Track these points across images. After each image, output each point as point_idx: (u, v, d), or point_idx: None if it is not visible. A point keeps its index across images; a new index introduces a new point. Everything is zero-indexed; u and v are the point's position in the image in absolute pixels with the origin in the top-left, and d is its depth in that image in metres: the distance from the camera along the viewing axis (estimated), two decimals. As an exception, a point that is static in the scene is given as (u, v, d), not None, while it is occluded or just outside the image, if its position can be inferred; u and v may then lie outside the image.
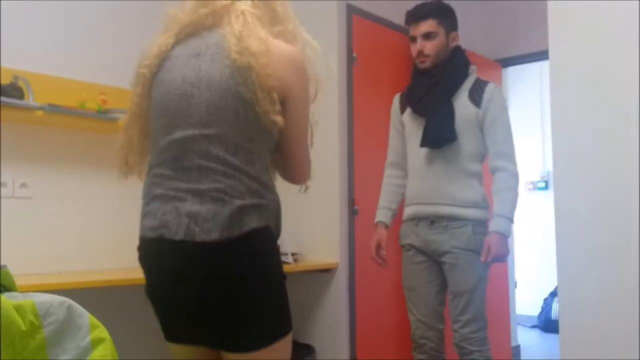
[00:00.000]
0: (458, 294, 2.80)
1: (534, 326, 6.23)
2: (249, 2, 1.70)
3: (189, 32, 1.71)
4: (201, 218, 1.52)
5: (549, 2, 2.50)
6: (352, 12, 3.67)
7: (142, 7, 3.40)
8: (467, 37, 4.53)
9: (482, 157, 2.89)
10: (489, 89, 2.85)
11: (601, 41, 2.36)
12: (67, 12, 3.09)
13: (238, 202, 1.54)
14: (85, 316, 1.33)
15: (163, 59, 1.72)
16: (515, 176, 2.82)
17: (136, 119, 1.80)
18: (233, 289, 1.54)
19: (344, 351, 3.48)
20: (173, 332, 1.70)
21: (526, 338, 5.58)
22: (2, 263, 1.38)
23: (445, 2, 3.04)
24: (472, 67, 3.75)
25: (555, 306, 5.95)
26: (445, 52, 2.92)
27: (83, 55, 3.13)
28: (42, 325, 1.26)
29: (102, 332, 1.34)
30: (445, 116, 2.81)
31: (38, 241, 2.89)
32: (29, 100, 2.72)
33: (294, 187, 3.61)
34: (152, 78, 1.72)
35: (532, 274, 6.25)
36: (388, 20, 3.93)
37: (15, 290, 1.36)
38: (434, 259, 2.88)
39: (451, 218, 2.81)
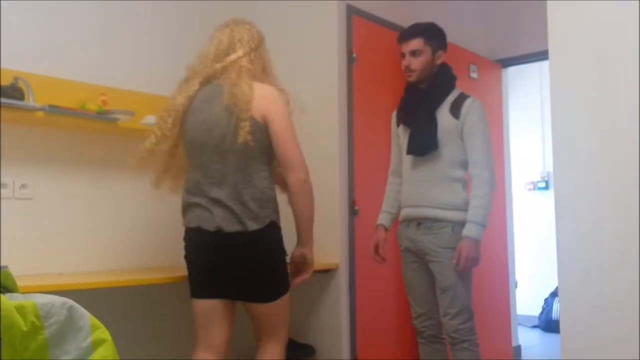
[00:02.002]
0: (444, 289, 3.04)
1: (535, 326, 6.24)
2: (247, 58, 2.55)
3: (206, 81, 2.55)
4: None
5: (548, 2, 2.50)
6: (352, 13, 3.67)
7: (141, 9, 3.40)
8: (467, 38, 4.55)
9: (464, 164, 3.12)
10: (468, 102, 3.11)
11: (601, 41, 2.36)
12: (67, 13, 3.09)
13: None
14: (86, 317, 1.33)
15: (190, 101, 2.55)
16: (488, 183, 3.04)
17: (167, 141, 2.61)
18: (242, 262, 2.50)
19: (345, 351, 3.48)
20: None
21: (527, 338, 5.58)
22: (3, 264, 1.38)
23: (435, 23, 3.30)
24: (472, 68, 3.82)
25: (556, 306, 5.95)
26: (431, 69, 3.19)
27: (83, 57, 3.13)
28: (43, 326, 1.26)
29: (103, 333, 1.33)
30: (428, 127, 3.10)
31: (38, 242, 2.89)
32: (29, 101, 2.72)
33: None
34: (182, 114, 2.56)
35: (533, 273, 6.24)
36: (388, 21, 3.93)
37: (17, 291, 1.35)
38: (421, 258, 3.14)
39: (434, 219, 3.08)
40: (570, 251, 2.39)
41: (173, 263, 3.41)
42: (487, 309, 4.33)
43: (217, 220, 2.46)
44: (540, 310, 6.24)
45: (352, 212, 3.58)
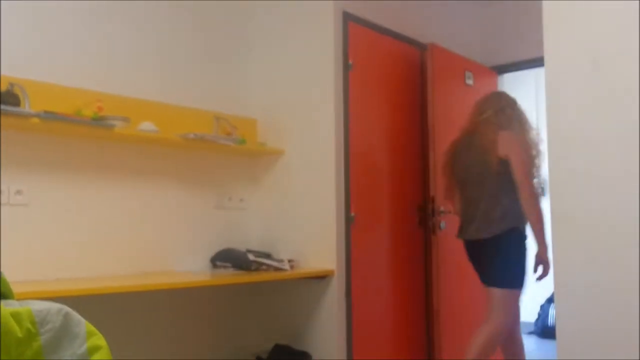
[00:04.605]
0: None
1: (531, 332, 6.23)
2: (492, 113, 3.43)
3: (467, 133, 3.51)
4: None
5: (543, 9, 2.51)
6: (348, 19, 3.68)
7: (139, 15, 3.41)
8: (463, 45, 4.57)
9: None
10: None
11: (597, 47, 2.37)
12: (64, 20, 3.09)
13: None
14: (82, 324, 1.32)
15: (455, 148, 3.56)
16: None
17: (446, 178, 3.63)
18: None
19: (341, 358, 3.48)
20: None
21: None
22: (-2, 270, 1.37)
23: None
24: (468, 74, 3.83)
25: (552, 312, 5.95)
26: None
27: (79, 63, 3.13)
28: (38, 333, 1.25)
29: (98, 339, 1.33)
30: None
31: (34, 248, 2.88)
32: (25, 107, 2.72)
33: (291, 195, 3.64)
34: (452, 157, 3.58)
35: (529, 279, 6.24)
36: (384, 27, 3.94)
37: (12, 298, 1.35)
38: None
39: None
40: (565, 257, 2.40)
41: (170, 269, 3.41)
42: (483, 315, 4.33)
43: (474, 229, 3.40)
44: (536, 316, 6.24)
45: (348, 218, 3.59)
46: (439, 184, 3.85)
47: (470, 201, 3.46)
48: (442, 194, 3.76)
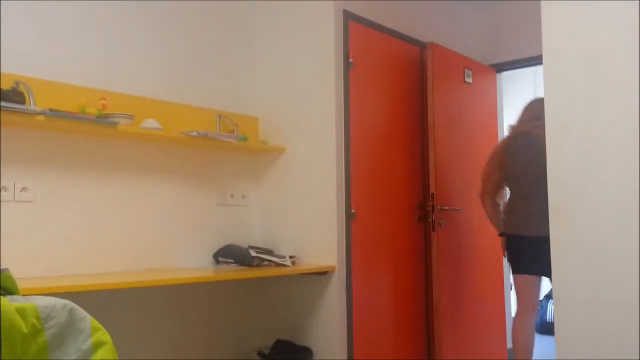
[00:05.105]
0: None
1: (531, 328, 6.24)
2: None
3: (522, 134, 3.73)
4: None
5: (542, 8, 2.53)
6: (349, 18, 3.70)
7: (143, 12, 3.43)
8: (462, 43, 4.58)
9: None
10: None
11: (595, 46, 2.39)
12: (68, 18, 3.12)
13: None
14: (86, 319, 1.33)
15: (511, 145, 3.77)
16: None
17: (497, 173, 3.84)
18: None
19: (342, 353, 3.50)
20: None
21: (523, 340, 5.58)
22: (4, 266, 1.39)
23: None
24: (467, 72, 3.85)
25: (550, 308, 5.97)
26: None
27: (84, 61, 3.16)
28: (43, 329, 1.27)
29: (103, 335, 1.34)
30: None
31: (39, 244, 2.91)
32: (30, 105, 2.75)
33: (292, 192, 3.67)
34: (507, 154, 3.78)
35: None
36: (384, 26, 3.96)
37: (17, 294, 1.36)
38: None
39: None
40: (564, 254, 2.42)
41: (173, 265, 3.44)
42: (482, 311, 4.36)
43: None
44: (536, 312, 6.25)
45: (349, 215, 3.61)
46: (485, 178, 3.92)
47: (524, 197, 3.66)
48: (491, 187, 3.87)
